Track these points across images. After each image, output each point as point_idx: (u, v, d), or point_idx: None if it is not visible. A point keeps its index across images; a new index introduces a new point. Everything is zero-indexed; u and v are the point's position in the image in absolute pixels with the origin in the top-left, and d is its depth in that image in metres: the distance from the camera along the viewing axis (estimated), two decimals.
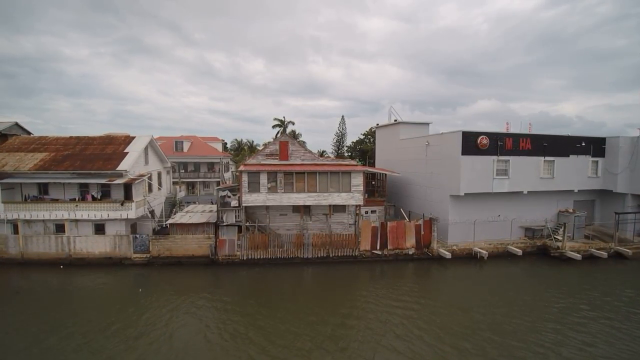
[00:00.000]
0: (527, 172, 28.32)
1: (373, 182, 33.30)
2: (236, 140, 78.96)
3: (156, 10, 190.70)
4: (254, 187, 25.23)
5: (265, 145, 36.95)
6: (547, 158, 28.80)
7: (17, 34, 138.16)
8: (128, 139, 30.96)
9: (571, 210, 29.74)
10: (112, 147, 29.48)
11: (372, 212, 30.88)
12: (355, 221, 27.28)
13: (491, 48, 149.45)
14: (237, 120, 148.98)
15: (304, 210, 26.84)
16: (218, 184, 45.34)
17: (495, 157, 27.25)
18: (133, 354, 13.85)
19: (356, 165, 28.03)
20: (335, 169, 26.12)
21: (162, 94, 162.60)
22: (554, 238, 27.50)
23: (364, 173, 26.87)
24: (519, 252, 26.71)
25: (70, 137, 31.37)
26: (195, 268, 24.40)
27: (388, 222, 27.12)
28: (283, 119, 59.80)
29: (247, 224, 25.96)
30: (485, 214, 27.94)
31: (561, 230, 27.21)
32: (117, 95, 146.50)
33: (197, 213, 28.59)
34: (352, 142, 71.69)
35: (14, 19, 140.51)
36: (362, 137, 68.95)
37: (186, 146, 49.51)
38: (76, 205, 25.64)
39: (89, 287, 21.81)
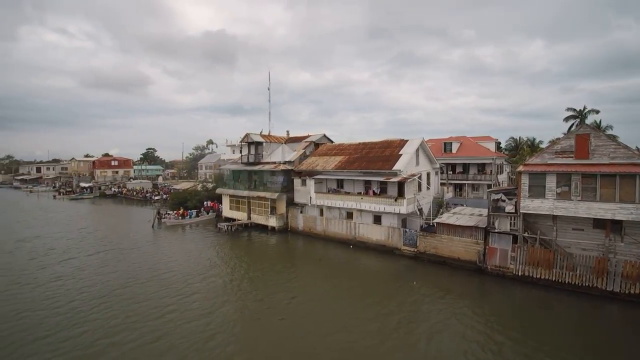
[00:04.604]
0: None
1: None
2: (512, 138, 69.24)
3: (422, 20, 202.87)
4: (537, 192, 20.98)
5: (554, 141, 30.26)
6: None
7: (322, 70, 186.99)
8: (402, 143, 33.75)
9: None
10: (389, 150, 33.09)
11: None
12: None
13: None
14: (511, 116, 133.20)
15: (612, 226, 19.66)
16: (489, 186, 41.54)
17: None
18: (374, 324, 15.01)
19: None
20: None
21: (431, 99, 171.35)
22: None
23: None
24: None
25: (359, 144, 37.83)
26: (460, 272, 23.14)
27: None
28: (583, 109, 47.29)
29: (525, 234, 21.95)
30: None
31: None
32: (391, 106, 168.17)
33: (464, 215, 27.19)
34: None
35: (320, 61, 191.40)
36: None
37: (455, 147, 48.54)
38: (361, 198, 30.66)
39: (366, 266, 25.76)
